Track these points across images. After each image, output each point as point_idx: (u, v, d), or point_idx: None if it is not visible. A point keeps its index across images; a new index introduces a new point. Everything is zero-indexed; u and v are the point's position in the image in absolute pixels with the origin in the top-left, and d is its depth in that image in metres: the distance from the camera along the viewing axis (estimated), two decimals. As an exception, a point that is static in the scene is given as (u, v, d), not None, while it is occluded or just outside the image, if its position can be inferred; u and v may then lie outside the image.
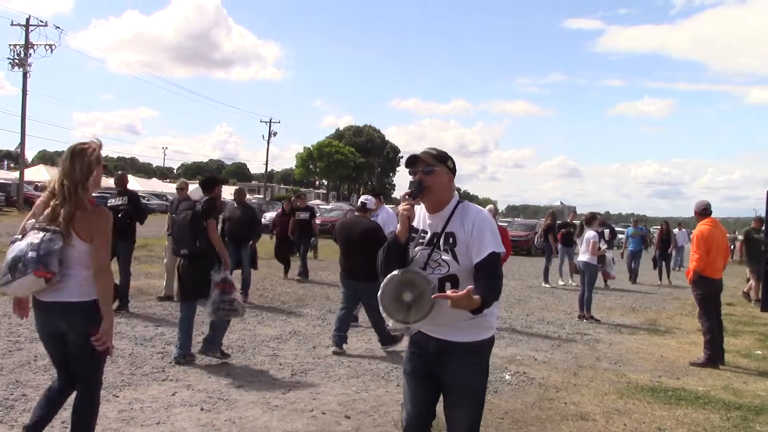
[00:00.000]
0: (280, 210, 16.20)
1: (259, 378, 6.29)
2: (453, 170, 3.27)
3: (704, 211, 8.41)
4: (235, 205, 11.40)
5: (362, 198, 8.51)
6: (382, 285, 3.10)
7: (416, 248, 3.20)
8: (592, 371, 7.45)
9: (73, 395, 3.82)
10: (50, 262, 3.46)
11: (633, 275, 19.25)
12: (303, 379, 6.39)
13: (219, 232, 7.68)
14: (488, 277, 3.03)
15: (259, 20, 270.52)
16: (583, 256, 11.50)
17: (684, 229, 24.30)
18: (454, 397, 3.21)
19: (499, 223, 12.33)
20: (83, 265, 3.58)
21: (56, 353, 3.76)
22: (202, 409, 5.23)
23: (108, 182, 63.36)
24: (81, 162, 3.64)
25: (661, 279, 19.31)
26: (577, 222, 19.17)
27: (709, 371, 7.76)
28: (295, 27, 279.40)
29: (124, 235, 9.11)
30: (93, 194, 3.77)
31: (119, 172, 10.86)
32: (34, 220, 3.63)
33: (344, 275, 7.81)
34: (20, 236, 3.61)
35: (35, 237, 3.51)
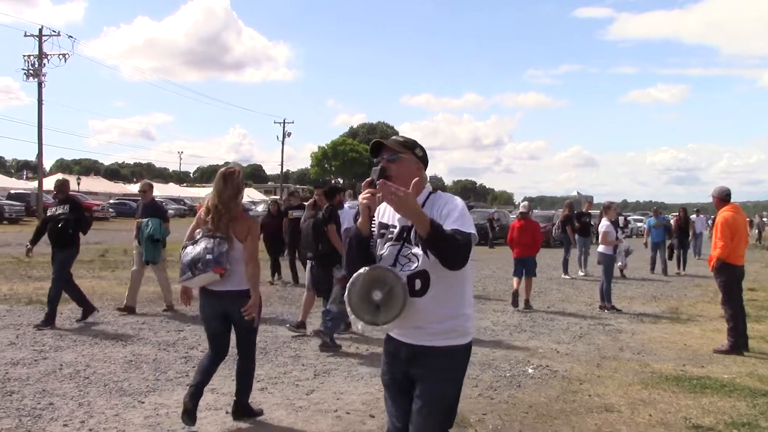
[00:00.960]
0: (267, 212, 15.35)
1: (282, 379, 6.31)
2: (422, 159, 3.05)
3: (726, 197, 8.34)
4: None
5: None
6: (348, 284, 2.89)
7: (385, 245, 2.98)
8: (615, 362, 7.41)
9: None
10: (223, 261, 4.69)
11: (653, 265, 18.43)
12: (326, 379, 6.41)
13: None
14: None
15: (268, 22, 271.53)
16: (600, 246, 11.49)
17: (702, 216, 24.00)
18: (422, 404, 2.93)
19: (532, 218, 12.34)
20: (241, 261, 4.82)
21: (218, 330, 5.00)
22: (227, 413, 5.26)
23: (126, 189, 63.69)
24: (231, 182, 4.82)
25: (679, 267, 18.69)
26: (593, 212, 19.12)
27: (733, 358, 7.70)
28: (305, 27, 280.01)
29: (64, 245, 8.63)
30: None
31: (60, 178, 10.01)
32: (200, 229, 4.86)
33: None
34: (190, 242, 4.83)
35: (208, 242, 4.71)
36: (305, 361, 7.05)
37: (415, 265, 2.87)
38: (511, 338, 8.59)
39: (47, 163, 60.16)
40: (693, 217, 23.31)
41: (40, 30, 41.59)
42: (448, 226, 2.77)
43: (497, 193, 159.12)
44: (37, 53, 41.10)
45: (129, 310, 9.54)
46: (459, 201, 2.95)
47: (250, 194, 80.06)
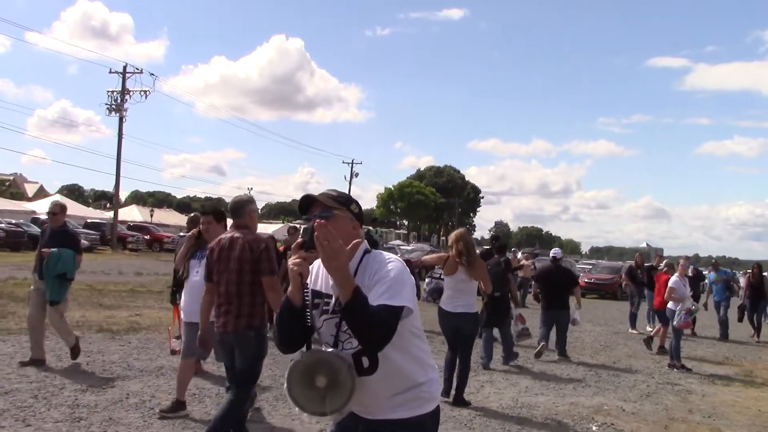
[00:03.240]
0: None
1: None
2: (358, 216, 2.73)
3: None
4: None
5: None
6: (287, 373, 2.54)
7: (321, 317, 2.61)
8: (684, 425, 7.15)
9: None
10: None
11: (722, 329, 15.97)
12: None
13: None
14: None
15: (341, 64, 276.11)
16: (669, 302, 11.19)
17: None
18: None
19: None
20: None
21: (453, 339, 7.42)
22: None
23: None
24: None
25: (755, 332, 16.34)
26: (662, 265, 18.52)
27: (812, 428, 7.33)
28: (376, 70, 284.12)
29: None
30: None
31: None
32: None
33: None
34: None
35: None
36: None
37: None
38: (575, 392, 8.39)
39: (123, 195, 62.33)
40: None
41: (125, 67, 43.47)
42: (374, 298, 2.44)
43: (563, 242, 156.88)
44: (120, 89, 42.88)
45: (36, 363, 7.63)
46: (394, 265, 2.57)
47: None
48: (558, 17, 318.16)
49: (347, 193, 2.75)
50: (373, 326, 2.40)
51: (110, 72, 43.62)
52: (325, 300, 2.61)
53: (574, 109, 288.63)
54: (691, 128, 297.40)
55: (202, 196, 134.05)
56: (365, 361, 2.52)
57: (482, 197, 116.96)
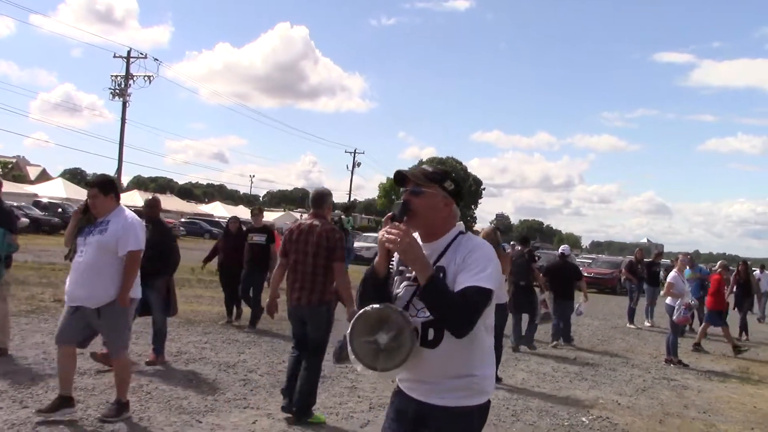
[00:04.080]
0: (224, 232, 12.23)
1: (338, 410, 6.33)
2: (453, 193, 2.72)
3: None
4: (144, 223, 6.89)
5: None
6: (353, 320, 2.62)
7: (402, 284, 2.68)
8: (679, 419, 7.17)
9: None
10: None
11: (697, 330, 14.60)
12: (381, 413, 6.38)
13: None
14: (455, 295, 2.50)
15: (345, 53, 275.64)
16: (667, 298, 11.28)
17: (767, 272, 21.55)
18: None
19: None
20: None
21: None
22: (281, 439, 5.30)
23: (197, 208, 65.14)
24: None
25: (741, 334, 15.45)
26: (665, 261, 18.51)
27: (806, 426, 7.36)
28: (381, 60, 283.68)
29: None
30: None
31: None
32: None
33: None
34: None
35: None
36: (361, 393, 7.06)
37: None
38: (571, 386, 8.41)
39: (125, 179, 62.31)
40: (757, 273, 21.18)
41: (129, 52, 43.36)
42: (464, 279, 2.51)
43: (564, 236, 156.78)
44: (124, 74, 42.80)
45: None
46: (485, 248, 2.64)
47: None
48: (564, 10, 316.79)
49: (441, 169, 2.77)
50: (452, 309, 2.44)
51: (114, 56, 43.57)
52: (409, 268, 2.63)
53: (578, 103, 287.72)
54: (695, 124, 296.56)
55: (204, 183, 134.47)
56: (431, 333, 2.57)
57: (484, 189, 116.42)
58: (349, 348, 2.61)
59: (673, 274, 11.44)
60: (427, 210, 2.62)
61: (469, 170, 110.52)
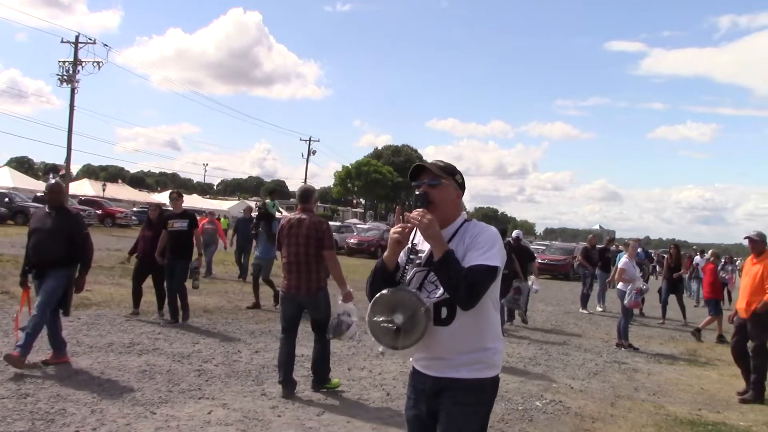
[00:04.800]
0: (146, 220, 11.19)
1: (294, 399, 6.31)
2: (462, 186, 3.00)
3: None
4: (47, 209, 7.11)
5: None
6: (370, 304, 2.83)
7: (413, 269, 2.91)
8: (629, 402, 7.33)
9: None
10: None
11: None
12: (337, 401, 6.40)
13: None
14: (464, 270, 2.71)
15: (300, 40, 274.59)
16: (618, 283, 11.48)
17: (707, 257, 21.57)
18: None
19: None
20: None
21: None
22: (237, 430, 5.27)
23: (150, 197, 64.28)
24: None
25: (664, 316, 15.75)
26: (614, 247, 18.78)
27: (750, 406, 7.58)
28: (336, 47, 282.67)
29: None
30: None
31: None
32: None
33: None
34: None
35: None
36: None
37: (441, 291, 2.78)
38: (525, 371, 8.53)
39: (74, 168, 60.83)
40: (697, 258, 21.38)
41: (77, 37, 42.20)
42: (471, 259, 2.73)
43: (518, 222, 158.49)
44: (72, 60, 41.74)
45: None
46: (491, 231, 2.87)
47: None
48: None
49: (451, 164, 3.02)
50: (461, 282, 2.66)
51: (62, 42, 42.34)
52: (419, 255, 2.90)
53: (532, 91, 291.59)
54: (646, 112, 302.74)
55: (157, 171, 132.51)
56: (444, 311, 2.80)
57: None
58: (368, 330, 2.84)
59: (624, 259, 11.66)
60: (444, 200, 2.88)
61: (424, 158, 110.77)
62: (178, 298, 9.90)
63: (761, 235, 8.15)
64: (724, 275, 19.49)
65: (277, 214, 13.85)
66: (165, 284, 10.03)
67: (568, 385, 7.88)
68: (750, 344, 7.90)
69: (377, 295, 2.82)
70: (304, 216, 6.51)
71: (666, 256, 17.70)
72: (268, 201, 13.34)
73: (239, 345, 8.51)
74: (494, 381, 2.92)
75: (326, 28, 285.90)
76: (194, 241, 10.21)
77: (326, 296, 6.58)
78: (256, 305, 11.81)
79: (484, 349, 2.85)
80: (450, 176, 2.93)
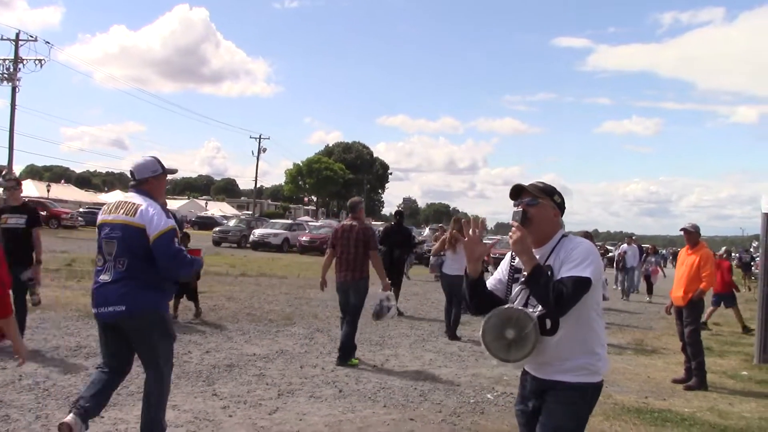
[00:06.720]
0: None
1: (246, 398, 6.26)
2: (560, 206, 3.20)
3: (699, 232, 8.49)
4: None
5: None
6: (483, 322, 3.04)
7: (517, 287, 3.12)
8: (578, 392, 7.44)
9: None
10: None
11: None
12: (289, 399, 6.37)
13: None
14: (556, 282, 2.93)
15: (248, 36, 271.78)
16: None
17: (635, 246, 21.50)
18: None
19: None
20: None
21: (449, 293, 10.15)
22: (187, 431, 5.21)
23: (96, 198, 62.96)
24: None
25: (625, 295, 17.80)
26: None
27: (695, 393, 7.79)
28: (285, 44, 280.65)
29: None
30: None
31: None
32: None
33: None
34: None
35: None
36: (269, 380, 7.00)
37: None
38: (477, 364, 8.60)
39: (17, 169, 59.17)
40: (624, 246, 21.38)
41: (17, 35, 41.09)
42: (563, 272, 2.94)
43: (470, 218, 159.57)
44: (13, 57, 40.61)
45: None
46: (584, 245, 3.05)
47: (223, 209, 79.60)
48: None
49: (551, 185, 3.21)
50: (549, 293, 2.84)
51: (2, 39, 41.23)
52: (522, 273, 3.07)
53: (481, 87, 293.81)
54: (592, 108, 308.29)
55: (103, 171, 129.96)
56: (548, 323, 2.99)
57: (391, 173, 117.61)
58: (482, 344, 3.04)
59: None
60: (541, 219, 3.08)
61: (375, 154, 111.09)
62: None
63: (696, 227, 8.48)
64: (647, 267, 20.25)
65: (224, 211, 13.19)
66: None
67: (518, 377, 7.95)
68: (686, 330, 8.22)
69: (489, 313, 3.03)
70: (354, 223, 8.21)
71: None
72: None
73: (189, 345, 8.41)
74: (596, 386, 3.11)
75: (275, 24, 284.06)
76: (34, 239, 7.89)
77: (366, 285, 8.13)
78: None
79: (592, 353, 3.07)
80: (548, 196, 3.15)
